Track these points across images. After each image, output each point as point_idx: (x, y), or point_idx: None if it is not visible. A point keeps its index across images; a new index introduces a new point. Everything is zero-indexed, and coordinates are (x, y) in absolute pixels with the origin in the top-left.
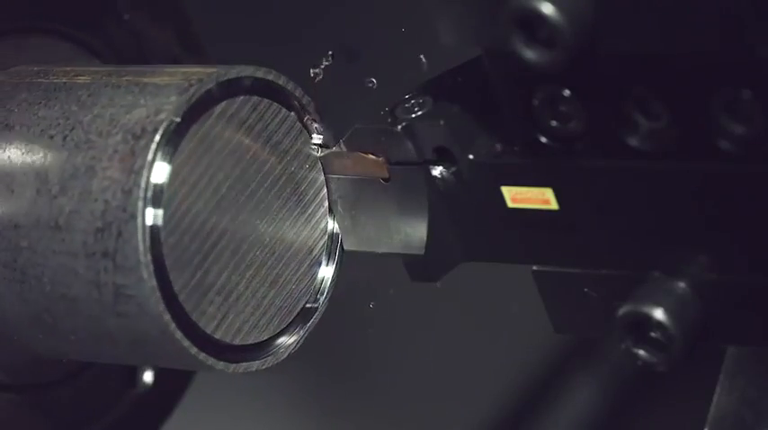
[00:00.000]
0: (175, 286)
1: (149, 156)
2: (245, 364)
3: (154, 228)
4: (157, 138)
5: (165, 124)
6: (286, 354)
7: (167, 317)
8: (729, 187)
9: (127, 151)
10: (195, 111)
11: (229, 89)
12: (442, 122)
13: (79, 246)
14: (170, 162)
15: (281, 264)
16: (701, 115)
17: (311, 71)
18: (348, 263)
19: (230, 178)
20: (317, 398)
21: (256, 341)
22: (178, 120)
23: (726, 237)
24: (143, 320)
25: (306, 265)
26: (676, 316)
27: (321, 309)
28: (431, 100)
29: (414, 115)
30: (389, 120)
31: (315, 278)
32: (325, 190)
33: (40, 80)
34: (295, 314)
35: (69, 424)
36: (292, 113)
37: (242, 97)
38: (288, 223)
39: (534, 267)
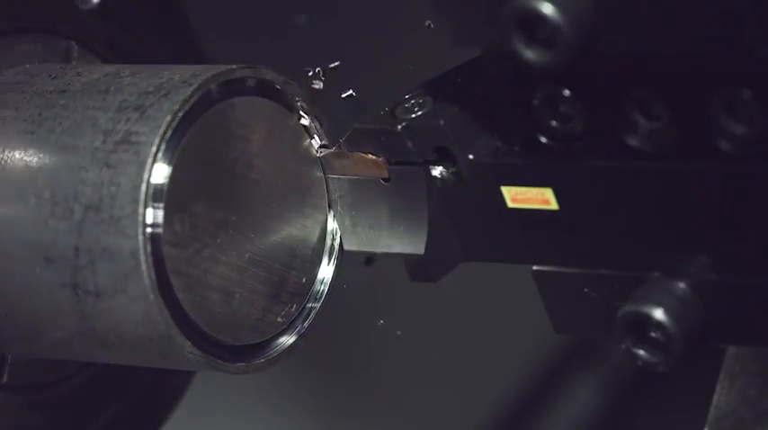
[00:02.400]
0: (175, 286)
1: (149, 157)
2: (244, 364)
3: (154, 228)
4: (157, 138)
5: (164, 124)
6: (286, 354)
7: (167, 317)
8: (729, 187)
9: (127, 151)
10: (195, 112)
11: (229, 89)
12: (442, 122)
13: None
14: (170, 162)
15: (280, 264)
16: (701, 115)
17: (312, 73)
18: (348, 263)
19: (230, 178)
20: (317, 398)
21: (256, 341)
22: (178, 120)
23: (726, 237)
24: (143, 320)
25: (306, 265)
26: (676, 316)
27: (321, 309)
28: (431, 100)
29: (414, 115)
30: (389, 120)
31: (315, 278)
32: (326, 190)
33: (39, 80)
34: (295, 314)
35: (69, 423)
36: (292, 114)
37: (242, 97)
38: (288, 223)
39: (534, 267)
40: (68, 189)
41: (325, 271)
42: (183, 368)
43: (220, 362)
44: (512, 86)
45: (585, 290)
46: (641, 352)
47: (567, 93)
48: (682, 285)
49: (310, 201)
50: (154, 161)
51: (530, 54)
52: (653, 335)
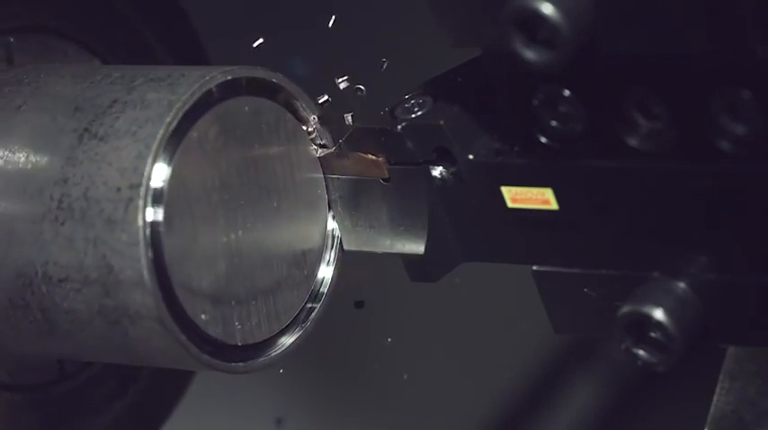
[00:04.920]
0: (175, 286)
1: (149, 157)
2: (245, 364)
3: (154, 228)
4: (157, 138)
5: (164, 125)
6: (286, 355)
7: (167, 317)
8: (729, 187)
9: (127, 151)
10: (195, 112)
11: (229, 89)
12: (441, 122)
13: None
14: (170, 163)
15: (280, 264)
16: (701, 115)
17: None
18: (348, 263)
19: (230, 178)
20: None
21: (256, 341)
22: (178, 120)
23: (726, 237)
24: (143, 320)
25: (305, 265)
26: (676, 316)
27: (321, 309)
28: (431, 100)
29: (414, 115)
30: (389, 120)
31: (315, 278)
32: (325, 190)
33: (39, 80)
34: (295, 314)
35: (69, 423)
36: (292, 114)
37: (242, 98)
38: (288, 223)
39: (534, 267)
40: (69, 189)
41: (325, 271)
42: (183, 368)
43: (220, 362)
44: (512, 86)
45: (585, 290)
46: (641, 352)
47: (566, 93)
48: (682, 285)
49: (310, 201)
50: (154, 161)
51: (530, 54)
52: (653, 335)
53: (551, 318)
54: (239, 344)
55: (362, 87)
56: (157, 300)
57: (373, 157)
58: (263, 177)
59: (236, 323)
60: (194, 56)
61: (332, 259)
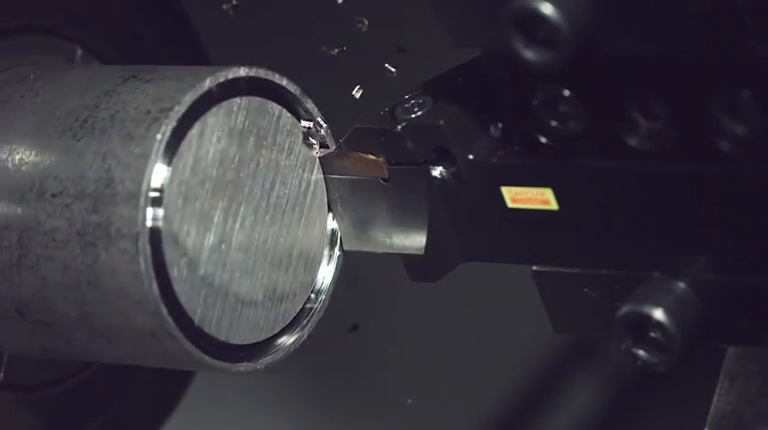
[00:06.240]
0: (175, 286)
1: (149, 157)
2: (245, 364)
3: (154, 228)
4: (157, 138)
5: (164, 125)
6: (286, 354)
7: (167, 316)
8: (729, 187)
9: (127, 152)
10: (195, 112)
11: (229, 89)
12: (441, 122)
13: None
14: (170, 163)
15: (280, 264)
16: (701, 115)
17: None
18: (348, 263)
19: (230, 178)
20: (317, 398)
21: (256, 341)
22: (177, 120)
23: (726, 237)
24: (143, 320)
25: (305, 265)
26: (676, 316)
27: (321, 309)
28: (431, 100)
29: (414, 115)
30: (389, 120)
31: (314, 278)
32: (325, 190)
33: (39, 80)
34: (295, 314)
35: (69, 423)
36: (292, 114)
37: (242, 98)
38: (288, 223)
39: (534, 267)
40: (69, 189)
41: (325, 271)
42: (184, 368)
43: (220, 362)
44: (512, 86)
45: (585, 290)
46: (641, 352)
47: (566, 93)
48: (681, 285)
49: (310, 201)
50: (154, 161)
51: (530, 54)
52: (653, 335)
53: (551, 318)
54: (239, 344)
55: (393, 69)
56: (157, 300)
57: (373, 157)
58: (262, 177)
59: (236, 323)
60: (194, 56)
61: (332, 259)
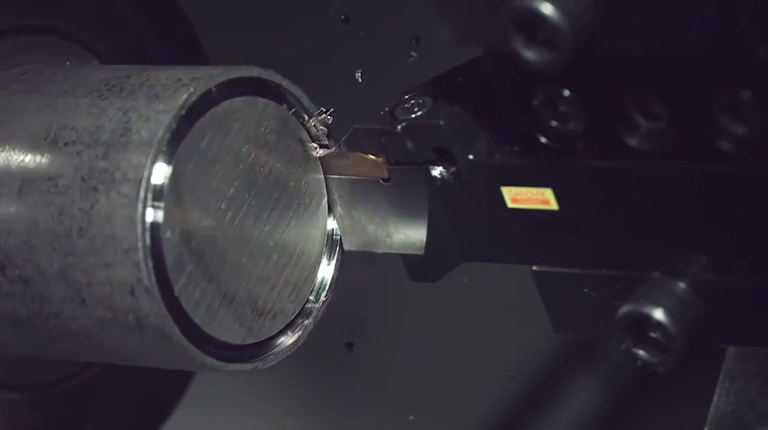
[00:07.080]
0: (175, 286)
1: (150, 157)
2: (244, 364)
3: (154, 228)
4: (158, 138)
5: (165, 125)
6: (286, 354)
7: (167, 316)
8: (729, 187)
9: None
10: (195, 112)
11: (229, 90)
12: (441, 122)
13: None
14: (170, 163)
15: (280, 264)
16: (701, 115)
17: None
18: (348, 263)
19: (230, 178)
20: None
21: (256, 341)
22: (178, 120)
23: (726, 237)
24: (143, 320)
25: (306, 265)
26: (676, 316)
27: (321, 309)
28: (431, 100)
29: (414, 115)
30: (389, 120)
31: (315, 278)
32: (325, 190)
33: (39, 80)
34: (295, 314)
35: (69, 423)
36: (292, 114)
37: (242, 98)
38: (288, 223)
39: (534, 267)
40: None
41: (325, 271)
42: (184, 368)
43: (220, 362)
44: (512, 86)
45: (585, 290)
46: (641, 352)
47: (566, 93)
48: (681, 285)
49: (310, 201)
50: (154, 161)
51: (530, 54)
52: (653, 335)
53: (551, 318)
54: (239, 344)
55: (414, 54)
56: (157, 299)
57: (373, 157)
58: (262, 177)
59: (236, 323)
60: (194, 56)
61: (332, 259)
